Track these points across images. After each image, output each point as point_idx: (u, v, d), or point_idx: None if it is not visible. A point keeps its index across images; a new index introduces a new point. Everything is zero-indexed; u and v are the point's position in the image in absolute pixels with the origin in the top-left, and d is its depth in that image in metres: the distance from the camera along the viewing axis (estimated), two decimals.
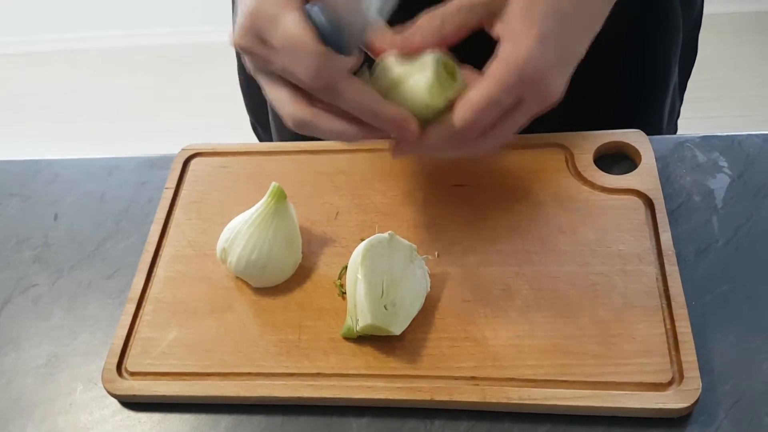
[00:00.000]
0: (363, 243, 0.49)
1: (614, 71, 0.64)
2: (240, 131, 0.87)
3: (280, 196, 0.51)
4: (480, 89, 0.42)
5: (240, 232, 0.51)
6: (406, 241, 0.50)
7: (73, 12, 2.28)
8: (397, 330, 0.47)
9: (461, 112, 0.42)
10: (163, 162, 0.64)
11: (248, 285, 0.53)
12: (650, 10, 0.63)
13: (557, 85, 0.43)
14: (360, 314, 0.47)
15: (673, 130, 0.75)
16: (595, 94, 0.64)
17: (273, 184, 0.51)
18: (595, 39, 0.63)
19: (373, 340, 0.49)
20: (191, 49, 2.23)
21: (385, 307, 0.47)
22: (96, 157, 0.67)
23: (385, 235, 0.49)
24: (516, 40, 0.41)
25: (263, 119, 0.76)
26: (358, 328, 0.47)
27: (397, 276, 0.48)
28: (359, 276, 0.47)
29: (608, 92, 0.65)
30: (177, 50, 2.24)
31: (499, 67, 0.42)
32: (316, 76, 0.41)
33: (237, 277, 0.53)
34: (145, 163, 0.65)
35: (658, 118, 0.65)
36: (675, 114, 0.74)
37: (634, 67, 0.64)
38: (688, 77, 0.74)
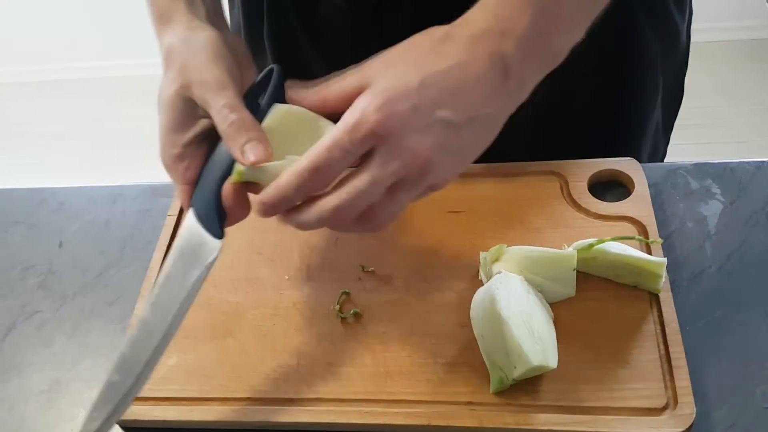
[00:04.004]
0: (487, 290, 0.47)
1: (587, 115, 0.66)
2: None
3: None
4: (327, 135, 0.40)
5: None
6: (514, 275, 0.49)
7: (79, 42, 2.32)
8: (555, 363, 0.45)
9: (308, 154, 0.40)
10: (166, 189, 0.66)
11: (247, 310, 0.54)
12: (625, 60, 0.64)
13: (425, 149, 0.39)
14: (517, 360, 0.45)
15: None
16: (568, 136, 0.65)
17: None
18: (567, 83, 0.65)
19: (370, 365, 0.49)
20: None
21: (536, 343, 0.45)
22: (100, 185, 0.68)
23: (501, 272, 0.48)
24: (369, 90, 0.40)
25: None
26: (516, 375, 0.45)
27: (529, 309, 0.47)
28: (506, 322, 0.45)
29: (581, 135, 0.66)
30: None
31: (347, 113, 0.40)
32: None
33: (237, 303, 0.54)
34: (149, 191, 0.66)
35: (635, 158, 0.65)
36: (658, 155, 0.75)
37: (607, 111, 0.65)
38: (675, 117, 0.75)
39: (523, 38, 0.40)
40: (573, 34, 0.42)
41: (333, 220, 0.41)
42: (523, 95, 0.42)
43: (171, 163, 0.45)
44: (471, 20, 0.41)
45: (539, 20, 0.40)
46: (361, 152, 0.40)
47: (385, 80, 0.40)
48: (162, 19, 0.47)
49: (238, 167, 0.43)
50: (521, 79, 0.41)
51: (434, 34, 0.41)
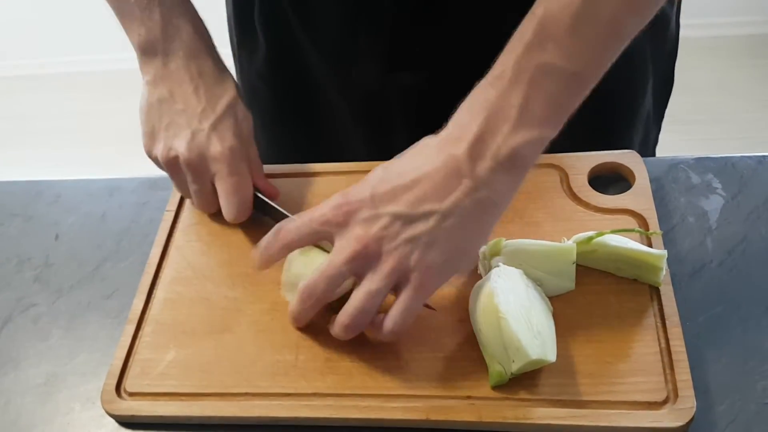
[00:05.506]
0: (486, 284, 0.47)
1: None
2: None
3: None
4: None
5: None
6: (513, 268, 0.49)
7: (76, 35, 2.31)
8: (553, 356, 0.45)
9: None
10: (163, 183, 0.65)
11: (246, 306, 0.53)
12: None
13: (369, 236, 0.45)
14: (515, 354, 0.45)
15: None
16: None
17: None
18: None
19: (368, 360, 0.49)
20: None
21: (534, 337, 0.45)
22: (97, 178, 0.68)
23: (499, 266, 0.48)
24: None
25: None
26: (515, 369, 0.45)
27: (528, 303, 0.47)
28: (503, 316, 0.45)
29: (570, 125, 0.66)
30: None
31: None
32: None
33: (235, 298, 0.54)
34: (146, 184, 0.66)
35: (626, 147, 0.65)
36: (650, 143, 0.74)
37: (596, 99, 0.65)
38: (666, 106, 0.75)
39: (473, 142, 0.43)
40: (530, 133, 0.43)
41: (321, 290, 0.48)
42: (493, 196, 0.44)
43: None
44: (444, 128, 0.46)
45: (490, 123, 0.43)
46: (324, 232, 0.47)
47: (359, 183, 0.47)
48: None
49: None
50: (477, 179, 0.44)
51: (420, 141, 0.47)
